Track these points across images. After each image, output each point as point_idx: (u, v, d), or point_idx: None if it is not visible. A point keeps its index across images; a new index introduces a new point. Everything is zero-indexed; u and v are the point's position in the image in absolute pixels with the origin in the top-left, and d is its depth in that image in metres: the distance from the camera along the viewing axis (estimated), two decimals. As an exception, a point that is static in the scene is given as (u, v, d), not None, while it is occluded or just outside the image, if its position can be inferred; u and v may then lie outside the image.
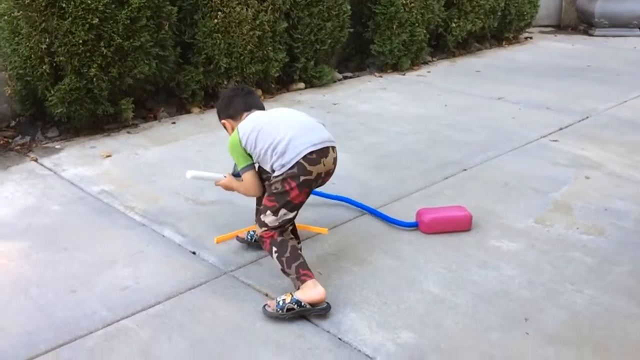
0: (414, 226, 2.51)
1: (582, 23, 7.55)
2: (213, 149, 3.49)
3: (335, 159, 2.12)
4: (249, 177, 2.16)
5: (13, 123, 3.77)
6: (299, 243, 2.18)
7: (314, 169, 2.03)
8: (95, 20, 3.41)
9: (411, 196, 2.86)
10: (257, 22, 4.21)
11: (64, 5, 3.34)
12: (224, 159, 3.32)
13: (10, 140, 3.56)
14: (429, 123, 3.95)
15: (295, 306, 1.91)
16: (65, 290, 2.10)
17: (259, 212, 2.15)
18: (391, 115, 4.12)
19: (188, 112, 4.19)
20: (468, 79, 5.21)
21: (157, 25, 3.78)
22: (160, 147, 3.52)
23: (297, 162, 2.01)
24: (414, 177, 3.07)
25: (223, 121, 2.29)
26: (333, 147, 2.11)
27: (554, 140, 3.60)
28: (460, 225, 2.49)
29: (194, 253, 2.35)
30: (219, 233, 2.47)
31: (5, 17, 3.47)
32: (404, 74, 5.34)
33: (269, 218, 2.06)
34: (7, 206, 2.75)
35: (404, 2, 5.15)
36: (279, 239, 2.06)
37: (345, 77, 5.23)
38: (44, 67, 3.45)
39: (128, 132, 3.77)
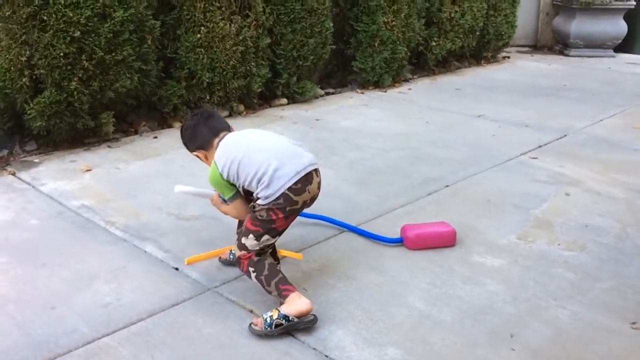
0: (399, 242, 2.51)
1: (557, 43, 7.73)
2: (195, 164, 3.43)
3: (319, 183, 2.11)
4: (238, 204, 2.14)
5: (-10, 136, 3.70)
6: (277, 263, 2.15)
7: (299, 199, 2.02)
8: (77, 34, 3.38)
9: (394, 212, 2.87)
10: (240, 37, 4.22)
11: (45, 17, 3.31)
12: (206, 174, 3.29)
13: (-13, 154, 3.49)
14: (410, 140, 3.98)
15: (284, 321, 1.89)
16: (45, 307, 2.05)
17: (240, 234, 2.09)
18: (373, 132, 4.15)
19: (170, 126, 4.16)
20: (448, 96, 5.28)
21: (140, 39, 3.76)
22: (141, 161, 3.49)
23: (283, 194, 1.99)
24: (397, 193, 3.09)
25: (195, 153, 2.22)
26: (316, 170, 2.09)
27: (533, 158, 3.66)
28: (444, 240, 2.50)
29: (176, 269, 2.32)
30: (202, 248, 2.45)
31: (-15, 29, 3.42)
32: (385, 91, 5.39)
33: (250, 242, 2.03)
34: (-16, 221, 2.69)
35: (386, 20, 5.22)
36: (256, 258, 2.03)
37: (328, 93, 5.26)
38: (23, 79, 3.40)
39: (109, 147, 3.72)
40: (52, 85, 3.44)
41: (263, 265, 2.02)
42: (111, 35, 3.51)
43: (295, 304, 1.91)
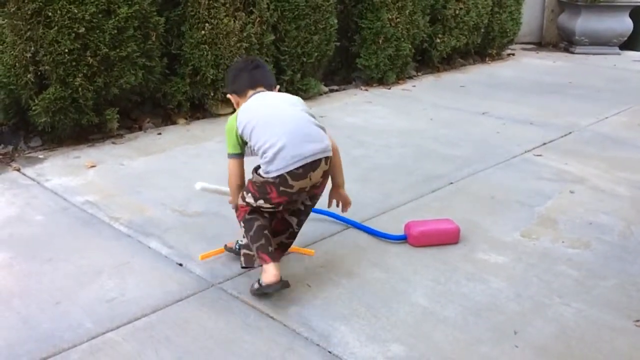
0: (403, 239, 2.51)
1: (563, 41, 7.70)
2: (199, 160, 3.47)
3: (325, 172, 2.11)
4: (232, 165, 2.18)
5: (-5, 132, 3.72)
6: (282, 251, 2.20)
7: (296, 184, 2.03)
8: (82, 30, 3.39)
9: (398, 209, 2.87)
10: (245, 34, 4.22)
11: (50, 14, 3.32)
12: (210, 170, 3.31)
13: (-8, 150, 3.51)
14: (415, 137, 3.98)
15: (257, 285, 2.04)
16: (49, 302, 2.05)
17: (244, 188, 2.15)
18: (377, 129, 4.14)
19: (174, 123, 4.17)
20: (453, 93, 5.27)
21: (144, 36, 3.76)
22: (145, 157, 3.49)
23: (281, 175, 2.00)
24: (401, 190, 3.08)
25: (229, 96, 2.27)
26: (326, 159, 2.08)
27: (538, 155, 3.65)
28: (448, 238, 2.50)
29: (180, 265, 2.32)
30: (206, 244, 2.45)
31: (-10, 25, 3.43)
32: (389, 88, 5.37)
33: (249, 199, 2.11)
34: (-11, 216, 2.70)
35: (390, 17, 5.20)
36: (249, 216, 2.09)
37: (332, 90, 5.25)
38: (28, 75, 3.41)
39: (113, 143, 3.73)
40: (57, 81, 3.45)
41: (252, 225, 2.08)
42: (115, 31, 3.51)
43: (265, 275, 2.01)
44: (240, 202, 2.14)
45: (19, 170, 3.25)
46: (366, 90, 5.30)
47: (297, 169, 2.00)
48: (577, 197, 3.03)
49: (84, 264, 2.31)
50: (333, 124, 4.24)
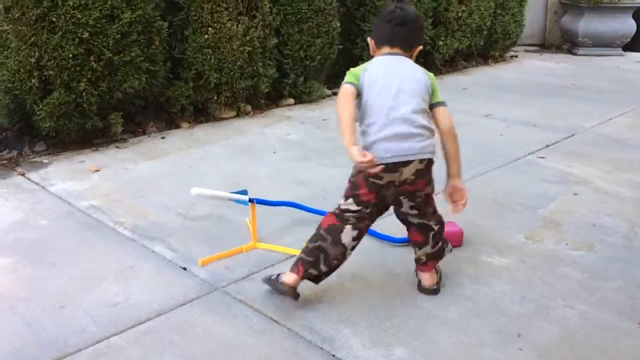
0: (406, 242, 2.51)
1: (565, 42, 7.68)
2: (202, 164, 3.48)
3: (420, 171, 1.99)
4: (346, 90, 1.99)
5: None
6: (340, 260, 2.09)
7: (385, 176, 1.97)
8: (86, 35, 3.41)
9: (402, 212, 2.86)
10: (248, 38, 4.23)
11: (54, 19, 3.34)
12: (213, 173, 3.32)
13: (-4, 155, 3.52)
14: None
15: (274, 276, 2.07)
16: (54, 307, 2.06)
17: None
18: (380, 132, 4.13)
19: (177, 127, 4.18)
20: (455, 96, 5.26)
21: (148, 40, 3.78)
22: (149, 161, 3.50)
23: None
24: (404, 192, 3.08)
25: (369, 39, 2.19)
26: (421, 160, 1.98)
27: (541, 157, 3.65)
28: (452, 240, 2.49)
29: (184, 269, 2.33)
30: (210, 248, 2.46)
31: (-6, 31, 3.45)
32: (392, 91, 5.37)
33: (341, 200, 2.10)
34: (-6, 221, 2.71)
35: (393, 20, 5.21)
36: (323, 231, 2.06)
37: (335, 93, 5.24)
38: (32, 80, 3.43)
39: (117, 147, 3.75)
40: (61, 86, 3.47)
41: (315, 240, 2.05)
42: (119, 36, 3.53)
43: (285, 275, 2.04)
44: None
45: (23, 175, 3.27)
46: (369, 93, 5.30)
47: (389, 164, 1.96)
48: (581, 199, 3.03)
49: (89, 268, 2.32)
50: (336, 127, 4.24)
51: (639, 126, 4.32)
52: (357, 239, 2.08)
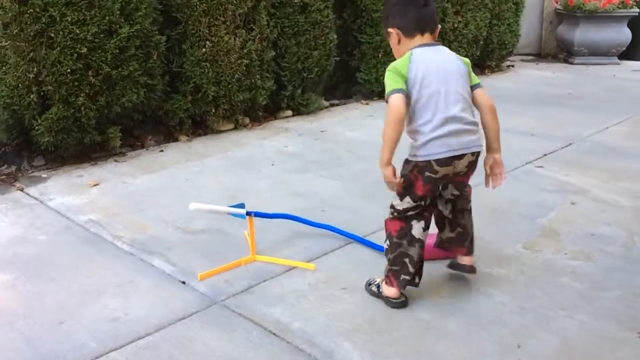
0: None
1: (562, 52, 7.73)
2: (201, 177, 3.49)
3: (471, 162, 2.09)
4: (395, 101, 1.94)
5: (-2, 152, 3.75)
6: (422, 253, 2.14)
7: (441, 170, 2.03)
8: (84, 50, 3.42)
9: (400, 223, 2.87)
10: (245, 51, 4.26)
11: (52, 35, 3.36)
12: (212, 186, 3.33)
13: (-5, 170, 3.53)
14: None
15: (377, 290, 2.18)
16: (53, 322, 2.06)
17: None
18: (379, 143, 4.13)
19: (175, 140, 4.19)
20: (453, 106, 5.28)
21: (146, 55, 3.80)
22: (148, 175, 3.51)
23: (427, 160, 2.01)
24: (403, 203, 3.09)
25: (390, 30, 2.05)
26: (473, 153, 2.07)
27: (539, 167, 3.66)
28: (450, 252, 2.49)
29: (183, 283, 2.33)
30: (209, 261, 2.46)
31: (-7, 47, 3.47)
32: (389, 102, 5.39)
33: (395, 200, 2.12)
34: (-7, 236, 2.72)
35: (389, 31, 5.25)
36: (395, 239, 2.12)
37: (332, 105, 5.28)
38: (31, 96, 3.44)
39: (115, 161, 3.75)
40: (60, 101, 3.48)
41: (395, 249, 2.12)
42: (117, 51, 3.55)
43: (387, 290, 2.13)
44: (387, 216, 2.15)
45: (22, 190, 3.27)
46: (367, 104, 5.33)
47: (444, 158, 2.00)
48: (579, 208, 3.03)
49: (88, 283, 2.32)
50: (334, 138, 4.26)
51: (635, 135, 4.34)
52: (427, 227, 2.15)
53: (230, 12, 4.13)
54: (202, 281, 2.32)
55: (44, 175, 3.50)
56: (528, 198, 3.15)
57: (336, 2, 5.09)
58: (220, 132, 4.35)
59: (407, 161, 2.10)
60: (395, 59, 2.09)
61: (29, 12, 3.29)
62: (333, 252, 2.57)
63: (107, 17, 3.48)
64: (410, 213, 2.11)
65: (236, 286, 2.29)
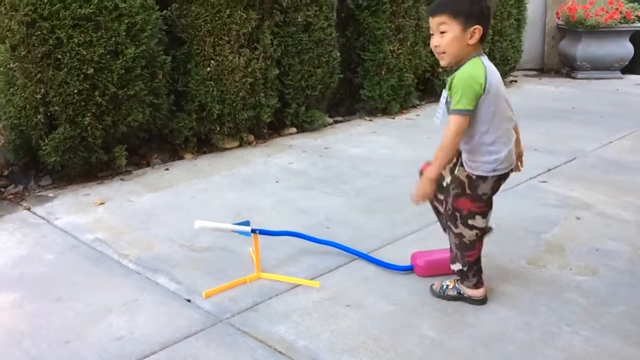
0: (409, 270, 2.52)
1: (564, 66, 7.76)
2: (206, 195, 3.51)
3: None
4: (461, 122, 1.90)
5: (6, 172, 3.77)
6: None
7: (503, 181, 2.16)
8: (90, 71, 3.47)
9: (404, 239, 2.88)
10: (249, 69, 4.30)
11: (59, 56, 3.41)
12: (217, 204, 3.35)
13: (2, 190, 3.56)
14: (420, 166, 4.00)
15: (455, 292, 2.26)
16: (59, 341, 2.07)
17: (462, 217, 2.13)
18: (382, 159, 4.18)
19: (181, 158, 4.22)
20: (456, 122, 5.30)
21: (151, 74, 3.85)
22: (153, 193, 3.53)
23: (506, 173, 2.11)
24: (407, 219, 3.10)
25: (476, 27, 1.90)
26: None
27: (543, 182, 3.66)
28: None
29: (188, 301, 2.34)
30: (214, 279, 2.47)
31: (1, 69, 3.52)
32: (393, 118, 5.43)
33: (479, 222, 2.14)
34: (0, 256, 2.73)
35: (392, 48, 5.29)
36: (480, 254, 2.22)
37: (336, 122, 5.31)
38: (38, 116, 3.49)
39: (121, 179, 3.78)
40: (67, 121, 3.52)
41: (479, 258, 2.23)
42: (123, 71, 3.60)
43: (471, 291, 2.24)
44: (471, 236, 2.15)
45: (29, 209, 3.30)
46: (370, 120, 5.35)
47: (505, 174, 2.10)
48: (584, 223, 3.03)
49: (94, 302, 2.33)
50: (338, 155, 4.29)
51: (639, 149, 4.34)
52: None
53: (234, 32, 4.19)
54: (207, 299, 2.32)
55: (50, 195, 3.53)
56: (532, 213, 3.15)
57: (339, 20, 5.16)
58: (225, 149, 4.38)
59: (485, 178, 2.09)
60: (433, 53, 2.09)
61: (36, 34, 3.34)
62: (337, 269, 2.58)
63: (113, 38, 3.53)
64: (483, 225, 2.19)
65: (241, 304, 2.29)
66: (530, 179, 3.71)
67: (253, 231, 2.54)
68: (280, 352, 2.00)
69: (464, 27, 1.93)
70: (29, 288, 2.44)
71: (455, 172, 2.14)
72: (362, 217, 3.16)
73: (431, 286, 2.33)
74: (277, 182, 3.71)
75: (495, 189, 2.15)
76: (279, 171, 3.91)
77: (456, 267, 2.26)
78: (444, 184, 2.20)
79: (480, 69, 1.94)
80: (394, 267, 2.54)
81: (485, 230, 2.21)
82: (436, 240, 2.82)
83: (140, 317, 2.22)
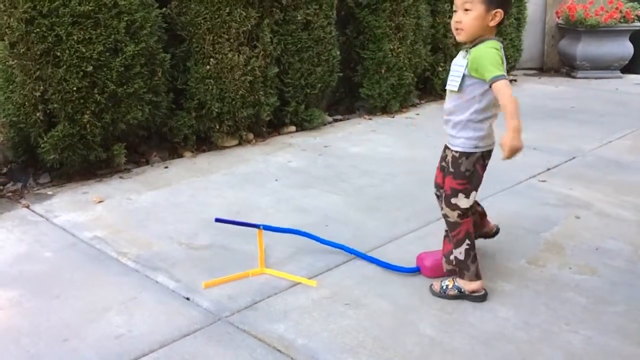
0: (416, 271, 2.50)
1: (564, 66, 7.76)
2: (205, 193, 3.50)
3: None
4: (508, 85, 2.04)
5: (4, 170, 3.76)
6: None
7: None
8: (90, 68, 3.46)
9: (404, 237, 2.87)
10: (249, 67, 4.30)
11: (59, 54, 3.40)
12: (216, 202, 3.34)
13: (1, 187, 3.55)
14: (419, 164, 4.00)
15: (456, 291, 2.26)
16: (57, 340, 2.07)
17: (445, 198, 2.24)
18: (382, 157, 4.17)
19: (180, 156, 4.22)
20: (456, 120, 5.30)
21: (151, 72, 3.84)
22: (152, 191, 3.53)
23: (490, 150, 2.21)
24: (407, 218, 3.10)
25: (498, 9, 2.07)
26: None
27: (542, 181, 3.66)
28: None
29: (187, 299, 2.33)
30: (213, 277, 2.46)
31: (0, 66, 3.51)
32: (393, 117, 5.42)
33: (462, 201, 2.20)
34: (-2, 254, 2.73)
35: (392, 47, 5.28)
36: (472, 234, 2.25)
37: (336, 120, 5.30)
38: (37, 114, 3.48)
39: (120, 177, 3.78)
40: (66, 118, 3.51)
41: (474, 244, 2.27)
42: (123, 69, 3.59)
43: (471, 285, 2.24)
44: (451, 213, 2.23)
45: (28, 207, 3.29)
46: (370, 119, 5.35)
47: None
48: (583, 222, 3.03)
49: (92, 300, 2.32)
50: (337, 153, 4.28)
51: (639, 148, 4.34)
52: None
53: (234, 30, 4.18)
54: (206, 297, 2.32)
55: (49, 192, 3.52)
56: (532, 212, 3.15)
57: (339, 19, 5.14)
58: (225, 148, 4.38)
59: (467, 154, 2.18)
60: (452, 35, 2.29)
61: (35, 31, 3.33)
62: (337, 267, 2.57)
63: (112, 36, 3.52)
64: (473, 202, 2.24)
65: (240, 302, 2.29)
66: (529, 178, 3.71)
67: (257, 226, 2.54)
68: (279, 350, 2.00)
69: (487, 8, 2.08)
70: (28, 286, 2.43)
71: (445, 156, 2.30)
72: (361, 215, 3.16)
73: (430, 287, 2.34)
74: (276, 180, 3.70)
75: (479, 167, 2.21)
76: (279, 169, 3.91)
77: (453, 259, 2.28)
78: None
79: (500, 49, 2.12)
80: (401, 269, 2.51)
81: (468, 213, 2.24)
82: (436, 239, 2.81)
83: (139, 315, 2.21)
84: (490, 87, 2.05)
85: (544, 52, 8.03)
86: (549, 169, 3.87)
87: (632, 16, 7.12)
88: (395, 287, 2.40)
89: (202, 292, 2.36)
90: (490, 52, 2.06)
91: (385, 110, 5.49)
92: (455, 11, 2.16)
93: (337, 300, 2.31)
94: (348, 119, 5.38)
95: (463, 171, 2.19)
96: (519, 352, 1.98)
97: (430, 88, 6.16)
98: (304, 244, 2.73)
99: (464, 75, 2.13)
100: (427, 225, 3.01)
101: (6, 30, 3.37)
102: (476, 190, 2.25)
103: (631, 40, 7.24)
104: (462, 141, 2.19)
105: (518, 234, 2.89)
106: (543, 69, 8.02)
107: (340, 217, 3.10)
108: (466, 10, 2.10)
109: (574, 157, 4.13)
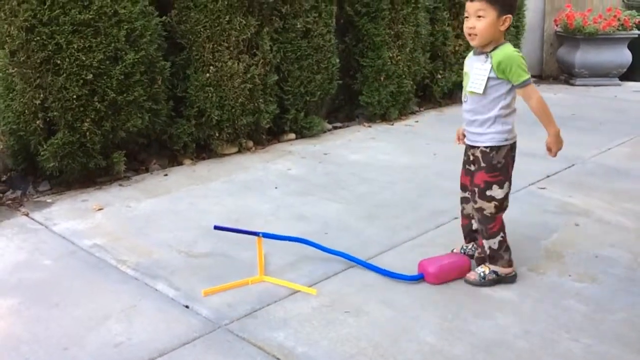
0: (419, 279, 2.49)
1: (563, 73, 7.78)
2: (205, 201, 3.50)
3: None
4: (534, 87, 2.31)
5: (4, 177, 3.76)
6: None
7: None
8: (90, 76, 3.47)
9: (404, 245, 2.87)
10: (248, 75, 4.31)
11: (59, 62, 3.41)
12: (216, 210, 3.34)
13: (1, 195, 3.55)
14: (418, 172, 4.01)
15: (494, 275, 2.40)
16: (57, 348, 2.06)
17: (479, 192, 2.37)
18: (381, 165, 4.18)
19: (180, 163, 4.22)
20: (455, 128, 5.28)
21: (151, 80, 3.85)
22: (152, 199, 3.53)
23: (515, 142, 2.38)
24: (407, 226, 3.09)
25: (508, 16, 2.26)
26: None
27: (541, 188, 3.66)
28: (462, 272, 2.50)
29: (187, 307, 2.33)
30: (213, 285, 2.46)
31: (0, 74, 3.52)
32: (392, 124, 5.43)
33: (497, 192, 2.34)
34: (-2, 262, 2.73)
35: (391, 55, 5.30)
36: (504, 227, 2.41)
37: (335, 127, 5.31)
38: (37, 122, 3.48)
39: (120, 185, 3.78)
40: (65, 126, 3.52)
41: (506, 235, 2.44)
42: (123, 77, 3.60)
43: (505, 270, 2.42)
44: (488, 206, 2.36)
45: (27, 214, 3.29)
46: (369, 126, 5.36)
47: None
48: (583, 230, 3.03)
49: (92, 308, 2.32)
50: (337, 161, 4.28)
51: (638, 156, 4.35)
52: None
53: (233, 38, 4.20)
54: (205, 305, 2.31)
55: (49, 200, 3.52)
56: (531, 220, 3.15)
57: (338, 27, 5.17)
58: (224, 155, 4.38)
59: (498, 148, 2.34)
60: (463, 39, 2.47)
61: (35, 39, 3.35)
62: (336, 275, 2.57)
63: (112, 44, 3.53)
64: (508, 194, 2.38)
65: (239, 310, 2.29)
66: (529, 185, 3.71)
67: (257, 234, 2.54)
68: (279, 358, 1.99)
69: (498, 14, 2.24)
70: (27, 294, 2.43)
71: (470, 156, 2.44)
72: (361, 223, 3.16)
73: (466, 279, 2.45)
74: (276, 188, 3.71)
75: (509, 158, 2.37)
76: (278, 177, 3.91)
77: (488, 248, 2.42)
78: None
79: (513, 49, 2.30)
80: (404, 277, 2.50)
81: (504, 204, 2.39)
82: (435, 247, 2.82)
83: (139, 323, 2.21)
84: (514, 86, 2.29)
85: (542, 60, 8.06)
86: (548, 176, 3.88)
87: (631, 24, 7.15)
88: (396, 295, 2.40)
89: (201, 300, 2.35)
90: (518, 56, 2.26)
91: (384, 117, 5.51)
92: (466, 17, 2.31)
93: (337, 308, 2.30)
94: (347, 126, 5.39)
95: (495, 164, 2.33)
96: (519, 359, 1.98)
97: (429, 95, 6.18)
98: (303, 251, 2.73)
99: (488, 78, 2.29)
100: (427, 232, 3.01)
101: (6, 38, 3.39)
102: (509, 181, 2.38)
103: (629, 47, 7.28)
104: (492, 136, 2.33)
105: (518, 241, 2.88)
106: (542, 77, 8.05)
107: (339, 225, 3.10)
108: (479, 17, 2.25)
109: (573, 165, 4.13)
